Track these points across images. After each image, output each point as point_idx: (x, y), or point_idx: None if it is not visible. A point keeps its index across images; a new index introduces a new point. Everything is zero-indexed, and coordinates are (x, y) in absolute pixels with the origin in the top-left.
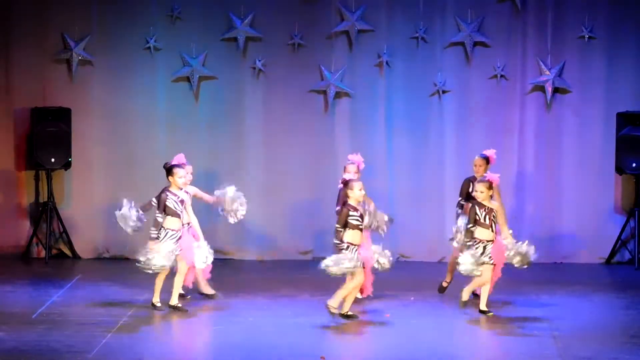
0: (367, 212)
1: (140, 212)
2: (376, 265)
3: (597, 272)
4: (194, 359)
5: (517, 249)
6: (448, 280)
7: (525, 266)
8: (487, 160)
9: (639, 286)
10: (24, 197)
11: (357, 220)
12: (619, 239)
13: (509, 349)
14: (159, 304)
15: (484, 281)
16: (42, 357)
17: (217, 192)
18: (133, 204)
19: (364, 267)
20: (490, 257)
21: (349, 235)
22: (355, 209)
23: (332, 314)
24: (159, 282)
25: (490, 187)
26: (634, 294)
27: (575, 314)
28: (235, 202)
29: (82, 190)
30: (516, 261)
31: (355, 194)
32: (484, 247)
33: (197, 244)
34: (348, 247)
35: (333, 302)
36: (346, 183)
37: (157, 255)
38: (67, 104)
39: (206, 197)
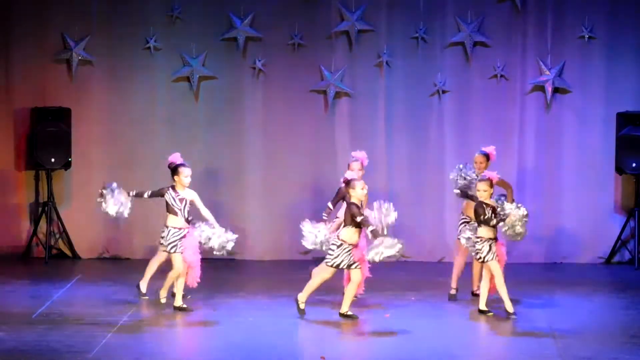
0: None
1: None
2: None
3: (597, 272)
4: (194, 359)
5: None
6: (455, 287)
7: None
8: (487, 157)
9: (639, 286)
10: (24, 197)
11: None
12: (619, 239)
13: (509, 349)
14: (163, 300)
15: (499, 277)
16: (42, 357)
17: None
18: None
19: (360, 267)
20: (495, 254)
21: (346, 233)
22: (359, 207)
23: (300, 309)
24: (170, 280)
25: (491, 185)
26: (634, 294)
27: (575, 314)
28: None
29: (82, 190)
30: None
31: (357, 193)
32: (490, 246)
33: (214, 231)
34: (341, 244)
35: (302, 297)
36: (348, 182)
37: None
38: (67, 104)
39: (201, 208)
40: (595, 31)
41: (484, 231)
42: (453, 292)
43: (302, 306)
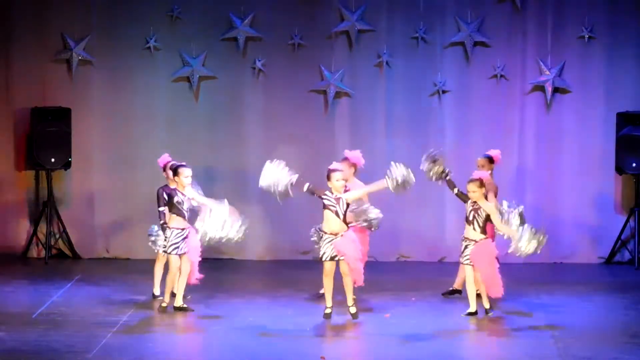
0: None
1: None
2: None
3: (597, 272)
4: (194, 359)
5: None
6: (455, 287)
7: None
8: (489, 159)
9: (639, 286)
10: (24, 197)
11: (333, 205)
12: (619, 239)
13: (509, 349)
14: (165, 304)
15: (470, 281)
16: (42, 357)
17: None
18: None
19: (344, 259)
20: (467, 257)
21: (324, 221)
22: (331, 193)
23: (326, 314)
24: (170, 284)
25: (481, 185)
26: (634, 294)
27: (575, 314)
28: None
29: (82, 190)
30: (528, 248)
31: (333, 184)
32: (466, 247)
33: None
34: (322, 235)
35: (327, 303)
36: (329, 172)
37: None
38: (67, 104)
39: (199, 198)
40: (595, 31)
41: (466, 231)
42: (451, 289)
43: (328, 311)
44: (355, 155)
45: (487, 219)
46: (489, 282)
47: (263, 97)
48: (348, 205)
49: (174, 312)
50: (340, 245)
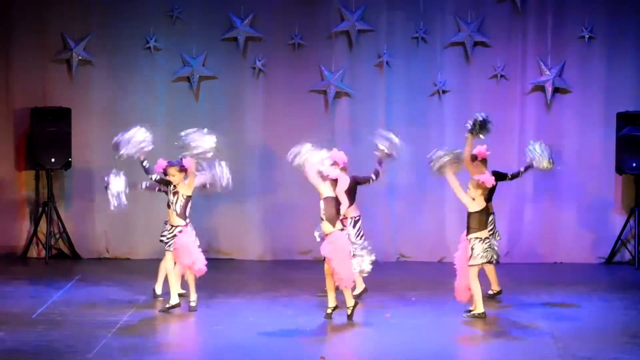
0: None
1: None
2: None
3: (597, 272)
4: (194, 359)
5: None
6: (496, 289)
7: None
8: (472, 157)
9: (639, 286)
10: (24, 197)
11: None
12: (619, 239)
13: (509, 349)
14: (168, 305)
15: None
16: (42, 357)
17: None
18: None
19: (326, 261)
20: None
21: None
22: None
23: (327, 314)
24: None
25: (477, 186)
26: (634, 294)
27: (575, 314)
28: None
29: (82, 190)
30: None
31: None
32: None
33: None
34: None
35: (329, 302)
36: None
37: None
38: (67, 104)
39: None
40: (595, 31)
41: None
42: (491, 292)
43: (329, 311)
44: (337, 155)
45: (469, 218)
46: (460, 286)
47: (263, 97)
48: (338, 202)
49: (174, 312)
50: (323, 247)
